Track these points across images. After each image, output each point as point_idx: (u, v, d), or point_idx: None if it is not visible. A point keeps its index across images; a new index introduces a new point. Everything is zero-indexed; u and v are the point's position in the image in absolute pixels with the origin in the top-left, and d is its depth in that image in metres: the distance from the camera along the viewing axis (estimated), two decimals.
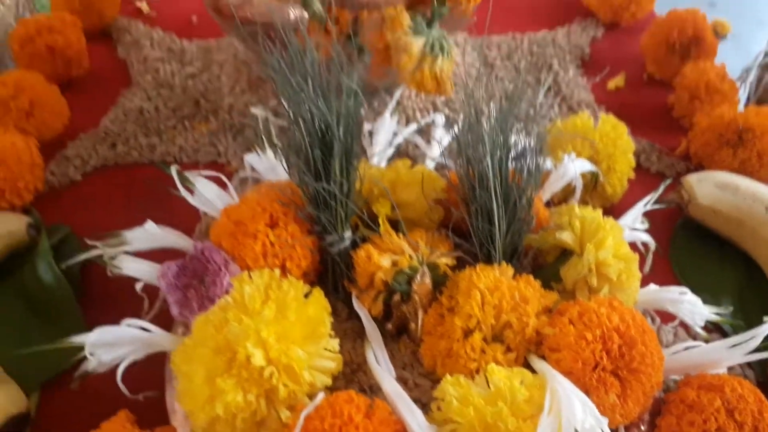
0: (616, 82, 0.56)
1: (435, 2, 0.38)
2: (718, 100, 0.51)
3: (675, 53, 0.55)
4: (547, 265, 0.35)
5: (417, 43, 0.38)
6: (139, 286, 0.35)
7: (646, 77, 0.58)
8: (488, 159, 0.33)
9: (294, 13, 0.39)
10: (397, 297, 0.33)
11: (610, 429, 0.27)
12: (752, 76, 0.62)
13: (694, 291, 0.36)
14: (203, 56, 0.56)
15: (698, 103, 0.51)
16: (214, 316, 0.30)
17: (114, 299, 0.38)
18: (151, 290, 0.36)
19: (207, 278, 0.33)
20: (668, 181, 0.43)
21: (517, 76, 0.56)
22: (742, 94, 0.61)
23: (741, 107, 0.56)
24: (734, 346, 0.31)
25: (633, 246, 0.38)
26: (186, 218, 0.42)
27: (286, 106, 0.32)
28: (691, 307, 0.35)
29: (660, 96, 0.55)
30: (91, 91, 0.54)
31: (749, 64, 0.61)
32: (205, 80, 0.53)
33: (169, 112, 0.51)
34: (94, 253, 0.36)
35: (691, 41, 0.55)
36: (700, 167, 0.48)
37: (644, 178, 0.48)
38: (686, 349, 0.32)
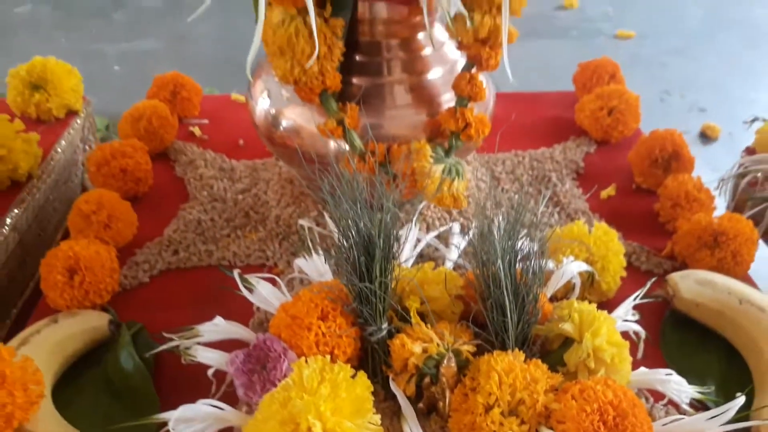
0: (608, 191, 0.65)
1: (452, 137, 0.47)
2: (696, 207, 0.58)
3: (658, 167, 0.64)
4: (553, 351, 0.42)
5: (437, 169, 0.46)
6: (210, 372, 0.41)
7: (635, 187, 0.66)
8: (499, 262, 0.40)
9: (337, 145, 0.47)
10: (427, 379, 0.39)
11: None
12: (729, 185, 0.71)
13: (682, 373, 0.42)
14: (251, 174, 0.65)
15: (680, 210, 0.59)
16: (279, 395, 0.36)
17: (183, 384, 0.44)
18: (217, 374, 0.43)
19: (269, 364, 0.39)
20: (653, 279, 0.50)
21: (521, 189, 0.65)
22: (721, 200, 0.69)
23: (722, 211, 0.64)
24: (712, 417, 0.37)
25: (626, 335, 0.44)
26: (239, 314, 0.49)
27: (336, 221, 0.40)
28: (677, 386, 0.41)
29: (647, 203, 0.63)
30: (155, 204, 0.62)
31: (726, 174, 0.70)
32: (253, 195, 0.62)
33: (223, 223, 0.59)
34: (171, 344, 0.43)
35: (671, 156, 0.64)
36: (683, 266, 0.55)
37: (635, 275, 0.55)
38: (672, 421, 0.38)
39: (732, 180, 0.70)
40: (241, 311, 0.50)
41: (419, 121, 0.50)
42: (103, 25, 2.80)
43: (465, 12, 0.42)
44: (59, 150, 0.72)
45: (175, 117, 0.71)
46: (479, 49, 0.45)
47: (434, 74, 0.51)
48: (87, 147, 0.79)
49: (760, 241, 0.56)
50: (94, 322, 0.47)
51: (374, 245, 0.39)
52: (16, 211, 0.63)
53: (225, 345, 0.43)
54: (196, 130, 0.74)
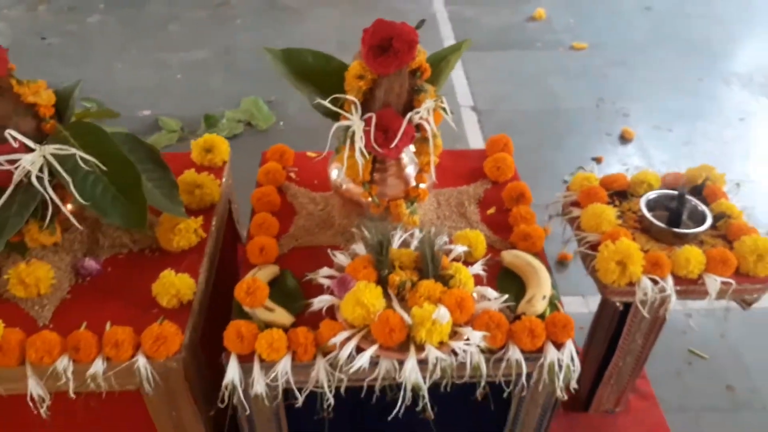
0: (491, 211, 1.38)
1: (413, 198, 1.20)
2: (523, 221, 1.31)
3: (514, 200, 1.36)
4: (447, 279, 1.15)
5: (406, 212, 1.19)
6: (325, 287, 1.15)
7: (505, 208, 1.39)
8: (426, 247, 1.13)
9: (366, 202, 1.20)
10: (401, 288, 1.13)
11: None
12: (559, 205, 1.43)
13: (502, 290, 1.16)
14: (323, 201, 1.38)
15: (517, 223, 1.32)
16: (352, 293, 1.10)
17: (313, 291, 1.18)
18: (327, 288, 1.16)
19: (348, 283, 1.12)
20: (489, 257, 1.23)
21: (451, 209, 1.37)
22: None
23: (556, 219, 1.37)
24: (496, 300, 1.11)
25: (479, 276, 1.18)
26: (330, 263, 1.23)
27: (366, 233, 1.13)
28: (491, 293, 1.14)
29: (507, 217, 1.36)
30: (283, 216, 1.36)
31: (550, 203, 1.42)
32: (326, 212, 1.35)
33: (315, 226, 1.32)
34: (309, 277, 1.16)
35: (519, 195, 1.36)
36: (514, 246, 1.28)
37: (493, 250, 1.28)
38: (481, 303, 1.12)
39: (557, 204, 1.43)
40: (331, 262, 1.23)
41: (400, 190, 1.22)
42: (163, 36, 3.48)
43: (415, 158, 1.15)
44: (224, 181, 1.45)
45: (284, 171, 1.44)
46: (423, 165, 1.17)
47: (408, 170, 1.23)
48: (230, 176, 1.52)
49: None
50: (273, 268, 1.21)
51: (381, 244, 1.12)
52: (215, 216, 1.37)
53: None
54: (293, 174, 1.46)
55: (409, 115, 1.09)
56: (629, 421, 1.59)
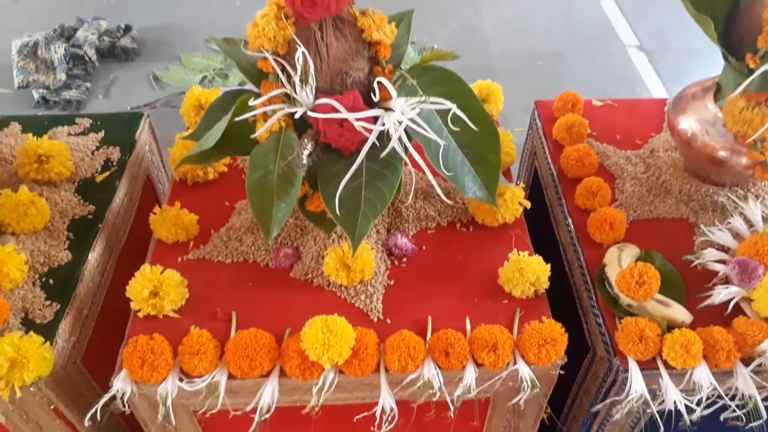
0: None
1: None
2: None
3: None
4: None
5: None
6: (721, 274, 0.92)
7: None
8: None
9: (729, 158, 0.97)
10: None
11: None
12: None
13: None
14: (640, 161, 1.14)
15: None
16: (765, 281, 0.87)
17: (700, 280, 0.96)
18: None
19: (754, 270, 0.90)
20: None
21: None
22: None
23: None
24: None
25: None
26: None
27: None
28: None
29: None
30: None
31: None
32: (652, 175, 1.11)
33: (647, 193, 1.09)
34: (695, 262, 0.94)
35: None
36: None
37: None
38: None
39: None
40: (684, 239, 1.01)
41: None
42: None
43: None
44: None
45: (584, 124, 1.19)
46: None
47: None
48: None
49: None
50: (634, 249, 0.98)
51: None
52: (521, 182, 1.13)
53: None
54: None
55: None
56: None
